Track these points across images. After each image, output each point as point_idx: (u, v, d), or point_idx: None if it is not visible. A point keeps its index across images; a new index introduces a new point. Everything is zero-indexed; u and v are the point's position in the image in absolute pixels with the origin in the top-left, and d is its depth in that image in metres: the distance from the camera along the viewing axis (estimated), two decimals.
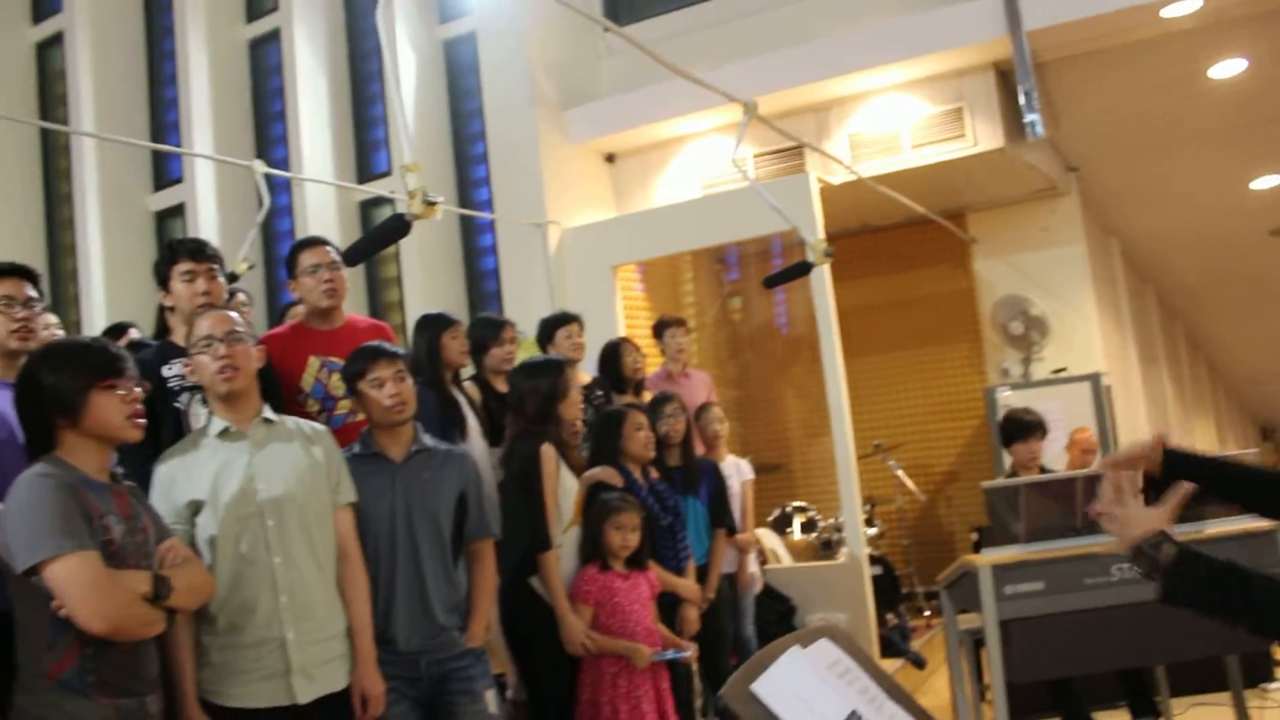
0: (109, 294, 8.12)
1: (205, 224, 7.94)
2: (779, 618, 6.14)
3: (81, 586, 2.20)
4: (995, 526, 3.96)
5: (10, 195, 8.74)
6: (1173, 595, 1.86)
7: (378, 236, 3.06)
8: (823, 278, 6.41)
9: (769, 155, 7.62)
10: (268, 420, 2.90)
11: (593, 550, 3.80)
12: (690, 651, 3.93)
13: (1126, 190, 9.22)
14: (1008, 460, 5.21)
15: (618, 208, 8.16)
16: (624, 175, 8.27)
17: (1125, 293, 10.43)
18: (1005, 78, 7.04)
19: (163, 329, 5.13)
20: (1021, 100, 6.63)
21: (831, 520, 7.43)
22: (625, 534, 3.77)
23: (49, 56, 9.25)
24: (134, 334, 5.04)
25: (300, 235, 7.50)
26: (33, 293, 3.20)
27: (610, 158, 8.27)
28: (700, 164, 7.94)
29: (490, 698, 3.22)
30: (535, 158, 7.48)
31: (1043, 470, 5.03)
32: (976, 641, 4.27)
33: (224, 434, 2.83)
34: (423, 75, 7.97)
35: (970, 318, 8.75)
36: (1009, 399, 7.49)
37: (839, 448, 6.45)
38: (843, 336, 6.54)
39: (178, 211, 8.45)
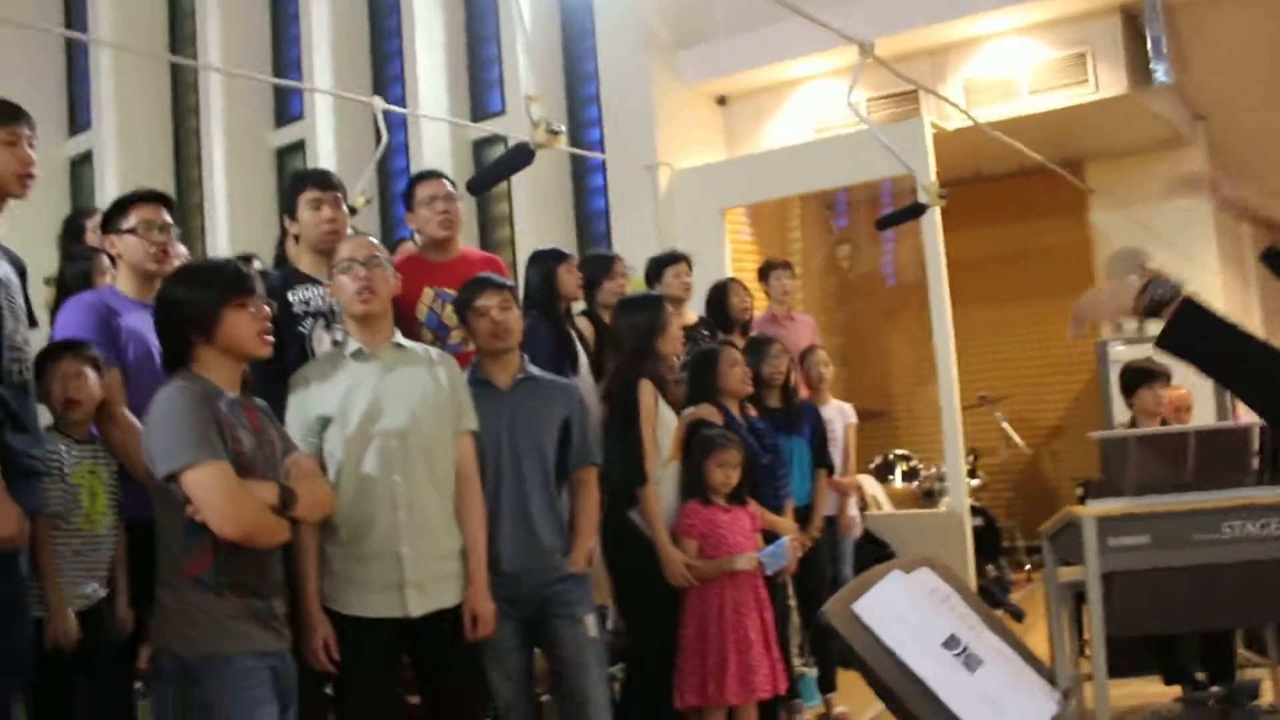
0: (232, 226, 8.42)
1: (324, 160, 8.15)
2: (878, 563, 6.14)
3: (215, 494, 2.32)
4: (1104, 478, 3.91)
5: (142, 131, 9.09)
6: (1179, 334, 1.85)
7: (502, 165, 3.14)
8: (933, 223, 6.33)
9: (882, 99, 7.51)
10: (398, 345, 3.00)
11: (694, 485, 3.86)
12: (788, 559, 3.93)
13: (1258, 139, 8.84)
14: (1124, 413, 5.11)
15: (728, 150, 8.13)
16: (735, 118, 8.22)
17: (1251, 248, 10.05)
18: (1132, 20, 6.79)
19: (281, 260, 5.31)
20: (1149, 45, 6.41)
21: (933, 469, 7.39)
22: (727, 470, 3.81)
23: None
24: (256, 264, 5.21)
25: (415, 171, 7.67)
26: (168, 218, 3.35)
27: (722, 100, 8.23)
28: (812, 107, 7.85)
29: (590, 622, 3.30)
30: (647, 99, 7.48)
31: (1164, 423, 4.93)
32: (1077, 595, 4.22)
33: (357, 354, 2.93)
34: (536, 15, 8.01)
35: (1085, 270, 8.53)
36: (1121, 354, 7.32)
37: (944, 397, 6.40)
38: (952, 286, 6.46)
39: (298, 148, 8.70)
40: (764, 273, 6.02)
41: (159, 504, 2.46)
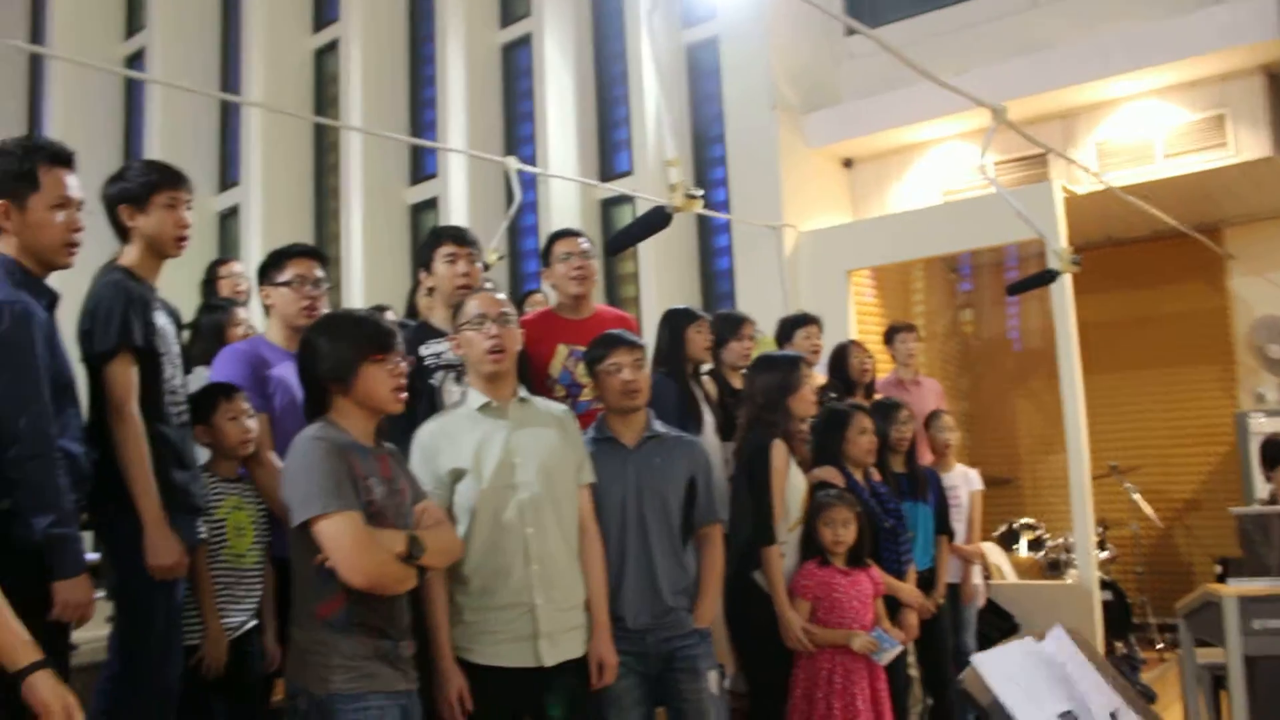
0: (367, 279, 8.71)
1: (456, 216, 8.40)
2: (1001, 634, 6.00)
3: (345, 544, 2.41)
4: (1246, 556, 3.77)
5: (286, 188, 9.52)
6: None
7: (639, 227, 3.20)
8: (1064, 289, 6.22)
9: (1011, 163, 7.45)
10: (522, 399, 3.07)
11: (811, 546, 3.84)
12: (901, 645, 3.90)
13: None
14: (1264, 488, 4.92)
15: (853, 212, 8.14)
16: (861, 180, 8.24)
17: None
18: (1274, 81, 6.63)
19: (412, 312, 5.50)
20: None
21: (1060, 540, 7.18)
22: (836, 529, 3.78)
23: (325, 62, 10.02)
24: (390, 315, 5.39)
25: (544, 230, 7.86)
26: (320, 273, 3.51)
27: (848, 162, 8.26)
28: (939, 170, 7.83)
29: (713, 678, 3.30)
30: (774, 161, 7.55)
31: None
32: (1216, 678, 4.07)
33: (484, 408, 2.99)
34: (665, 78, 8.16)
35: (1222, 338, 8.25)
36: (1263, 426, 7.04)
37: (1073, 466, 6.24)
38: (1082, 352, 6.32)
39: (431, 205, 8.98)
40: (889, 335, 6.00)
41: (295, 547, 2.56)
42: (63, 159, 2.72)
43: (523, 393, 3.09)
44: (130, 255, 2.98)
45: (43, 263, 2.73)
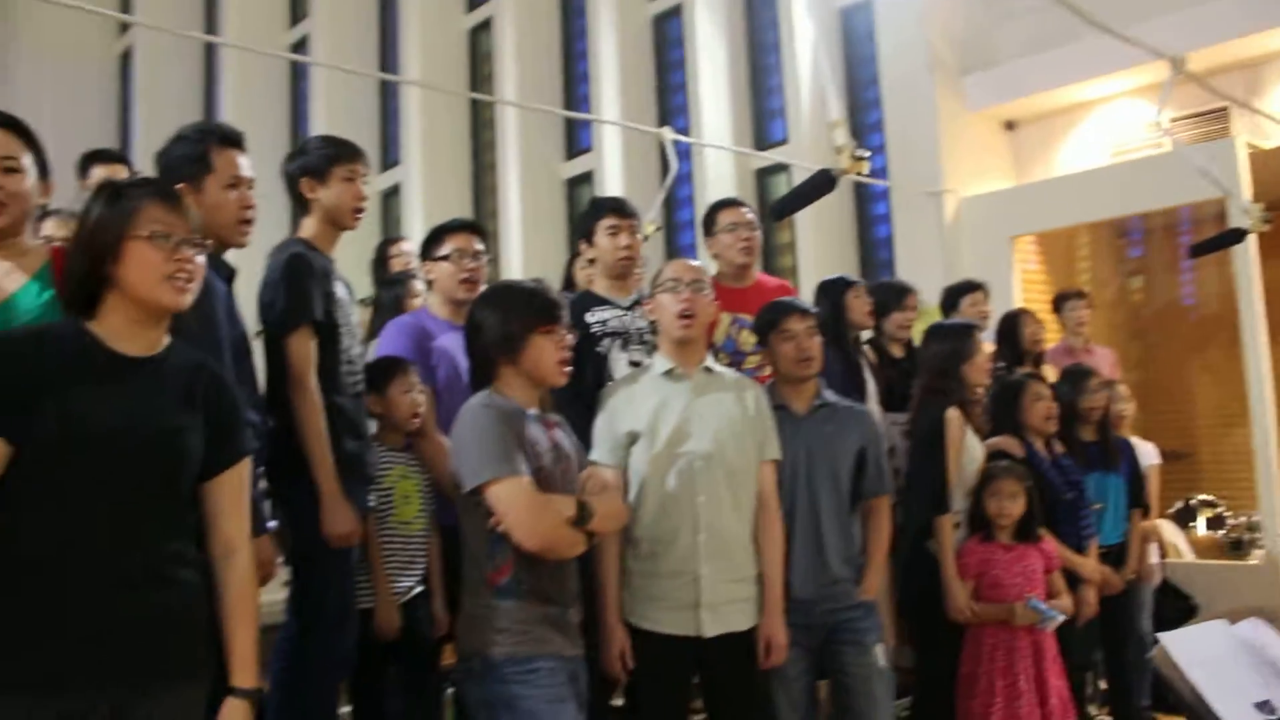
0: (525, 253, 8.84)
1: (611, 189, 8.43)
2: (1179, 616, 5.73)
3: (517, 507, 2.43)
4: None
5: (445, 166, 9.73)
6: None
7: (804, 192, 3.14)
8: (1248, 251, 5.87)
9: (1188, 119, 7.04)
10: (708, 369, 3.03)
11: (976, 520, 3.74)
12: (1063, 616, 3.74)
13: None
14: None
15: (1016, 176, 7.85)
16: (1024, 143, 7.93)
17: None
18: None
19: (568, 283, 5.54)
20: None
21: (1244, 518, 6.81)
22: (1000, 501, 3.66)
23: (479, 40, 10.19)
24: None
25: (699, 201, 7.83)
26: (479, 246, 3.56)
27: (1010, 125, 7.96)
28: (1107, 129, 7.47)
29: (879, 651, 3.23)
30: (932, 125, 7.34)
31: None
32: None
33: (668, 374, 2.97)
34: (819, 43, 8.01)
35: None
36: None
37: (1258, 439, 5.90)
38: (1268, 317, 5.97)
39: (586, 179, 9.05)
40: (1058, 303, 5.77)
41: (464, 515, 2.60)
42: (234, 140, 2.81)
43: (710, 362, 3.06)
44: (309, 228, 3.08)
45: (220, 240, 2.83)
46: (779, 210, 3.32)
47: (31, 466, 1.81)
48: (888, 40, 7.67)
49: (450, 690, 3.36)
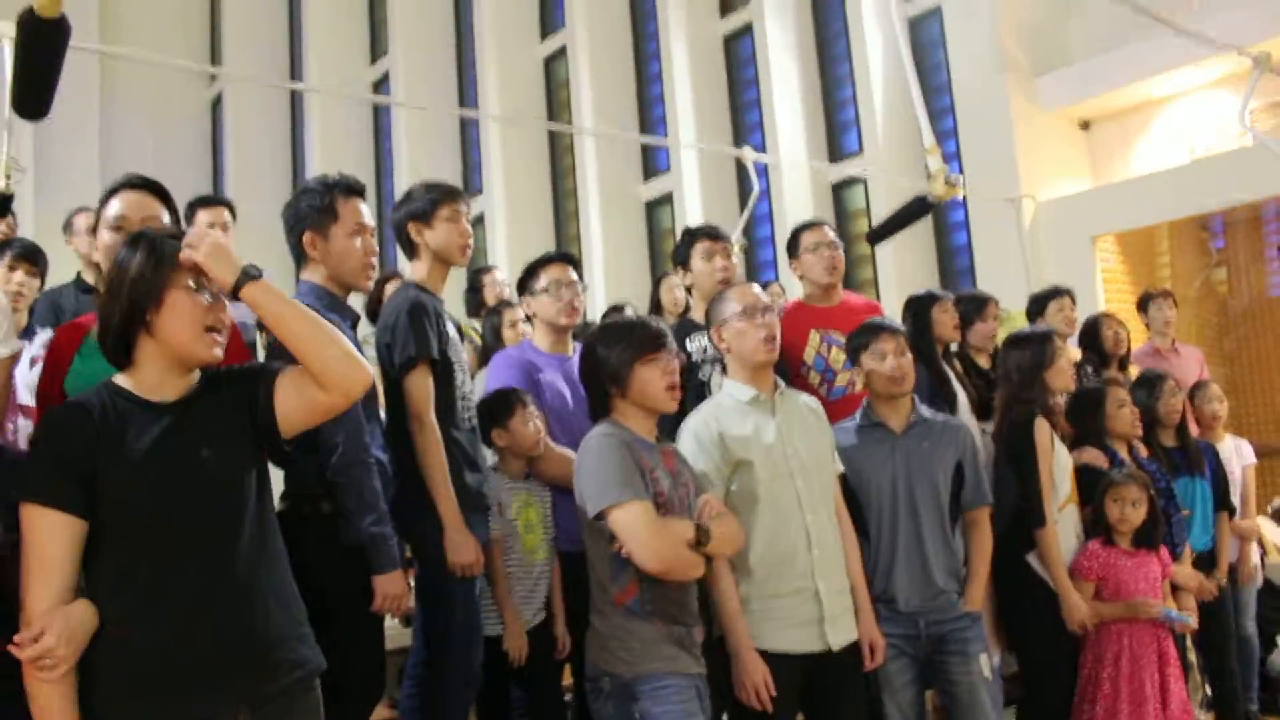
0: (607, 276, 9.00)
1: (690, 209, 8.56)
2: None
3: (638, 531, 2.55)
4: None
5: (526, 193, 9.95)
6: None
7: (900, 217, 3.23)
8: None
9: (1268, 108, 6.97)
10: (781, 391, 3.12)
11: (1095, 525, 3.77)
12: (1192, 619, 3.77)
13: None
14: None
15: (1094, 176, 7.83)
16: (1101, 141, 7.91)
17: None
18: None
19: (655, 308, 5.67)
20: None
21: None
22: (1124, 506, 3.68)
23: (554, 68, 10.41)
24: (629, 311, 5.58)
25: (777, 217, 7.93)
26: (573, 276, 3.71)
27: (1085, 124, 7.95)
28: (1186, 124, 7.42)
29: (984, 661, 3.28)
30: (1006, 128, 7.36)
31: None
32: None
33: (752, 401, 3.06)
34: (887, 51, 8.08)
35: None
36: None
37: None
38: None
39: (665, 200, 9.19)
40: (1143, 303, 5.75)
41: (589, 539, 2.72)
42: (356, 190, 2.99)
43: (780, 384, 3.15)
44: (420, 270, 3.24)
45: (345, 285, 2.99)
46: (875, 236, 3.41)
47: (109, 532, 1.90)
48: (958, 45, 7.72)
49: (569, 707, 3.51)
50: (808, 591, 2.93)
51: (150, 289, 1.97)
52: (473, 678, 3.09)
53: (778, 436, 3.01)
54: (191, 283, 1.98)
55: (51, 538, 1.86)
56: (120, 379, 2.02)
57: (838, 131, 8.60)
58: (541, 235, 9.78)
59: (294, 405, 2.04)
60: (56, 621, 1.81)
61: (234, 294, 2.01)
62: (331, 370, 2.00)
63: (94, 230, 4.64)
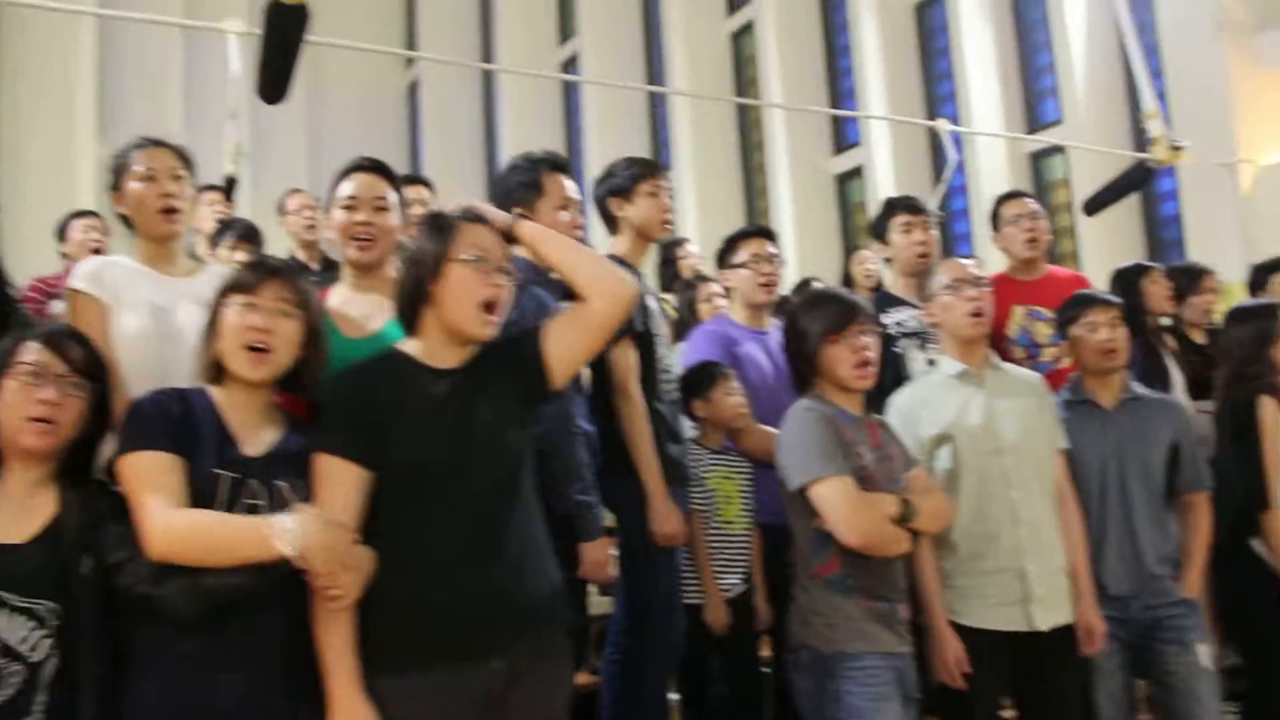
0: (797, 250, 8.95)
1: (881, 183, 8.44)
2: None
3: (839, 505, 2.55)
4: None
5: (715, 169, 9.99)
6: None
7: (1120, 186, 3.12)
8: None
9: None
10: (994, 365, 3.07)
11: None
12: None
13: None
14: None
15: None
16: None
17: None
18: None
19: (846, 281, 5.60)
20: None
21: None
22: None
23: (741, 43, 10.39)
24: (817, 285, 5.53)
25: (972, 188, 7.73)
26: (772, 250, 3.72)
27: None
28: None
29: (1203, 651, 3.13)
30: (1223, 89, 6.96)
31: None
32: None
33: (961, 375, 3.01)
34: (1092, 14, 7.73)
35: None
36: None
37: None
38: None
39: (855, 173, 9.07)
40: None
41: (792, 512, 2.73)
42: (563, 167, 3.09)
43: (995, 359, 3.09)
44: (621, 245, 3.30)
45: None
46: (1092, 206, 3.29)
47: (392, 487, 2.04)
48: (1169, 2, 7.31)
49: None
50: (1013, 571, 2.87)
51: (431, 261, 2.11)
52: (674, 646, 3.14)
53: (985, 411, 2.95)
54: (470, 255, 2.10)
55: (340, 485, 2.02)
56: (406, 345, 2.17)
57: (1035, 100, 8.29)
58: (730, 210, 9.78)
59: (568, 337, 2.18)
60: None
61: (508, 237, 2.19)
62: (600, 279, 2.16)
63: (308, 209, 4.92)
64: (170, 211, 2.59)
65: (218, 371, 2.11)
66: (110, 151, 2.73)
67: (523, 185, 3.03)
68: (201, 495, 1.97)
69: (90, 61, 9.77)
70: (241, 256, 4.06)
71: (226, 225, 4.57)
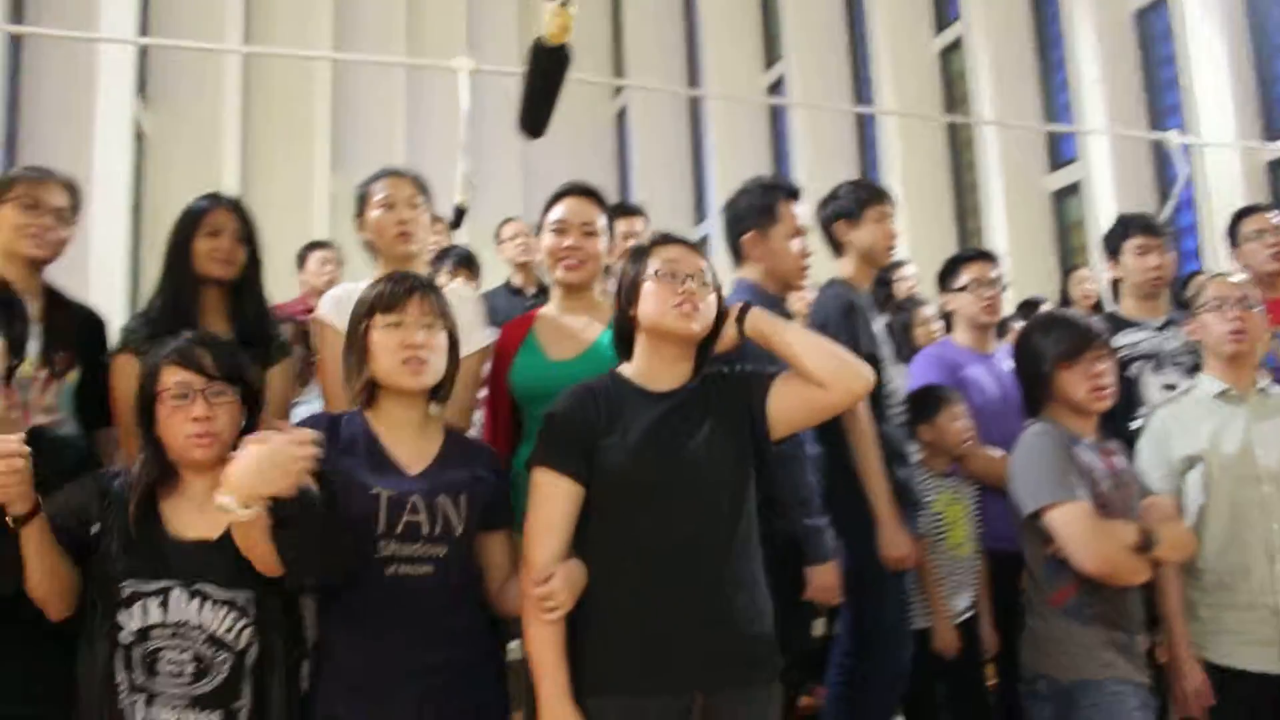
0: (1014, 271, 8.71)
1: (1101, 199, 8.13)
2: None
3: (1075, 532, 2.50)
4: None
5: (926, 189, 9.85)
6: None
7: None
8: None
9: None
10: (1262, 389, 2.90)
11: None
12: None
13: None
14: None
15: None
16: None
17: None
18: None
19: (1063, 303, 5.44)
20: None
21: None
22: None
23: (950, 60, 10.23)
24: (1047, 308, 5.38)
25: (1201, 202, 7.38)
26: (994, 274, 3.69)
27: None
28: None
29: None
30: None
31: None
32: None
33: (1222, 395, 2.86)
34: None
35: None
36: None
37: None
38: None
39: (1073, 190, 8.78)
40: None
41: (1026, 538, 2.69)
42: (794, 194, 3.15)
43: (1263, 382, 2.93)
44: (847, 267, 3.35)
45: (782, 284, 3.15)
46: None
47: (603, 505, 2.11)
48: None
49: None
50: (1265, 609, 2.70)
51: (629, 287, 2.21)
52: (900, 670, 3.13)
53: (1244, 435, 2.80)
54: (659, 267, 2.17)
55: (555, 499, 2.12)
56: (624, 368, 2.26)
57: (1273, 106, 7.82)
58: (942, 230, 9.61)
59: (792, 404, 2.19)
60: (561, 571, 2.05)
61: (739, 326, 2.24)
62: (838, 372, 2.15)
63: (522, 235, 5.12)
64: (406, 235, 2.80)
65: (371, 394, 2.23)
66: (343, 187, 2.95)
67: (755, 210, 3.10)
68: (363, 515, 2.09)
69: (325, 104, 10.45)
70: (460, 283, 4.27)
71: (444, 252, 4.82)
